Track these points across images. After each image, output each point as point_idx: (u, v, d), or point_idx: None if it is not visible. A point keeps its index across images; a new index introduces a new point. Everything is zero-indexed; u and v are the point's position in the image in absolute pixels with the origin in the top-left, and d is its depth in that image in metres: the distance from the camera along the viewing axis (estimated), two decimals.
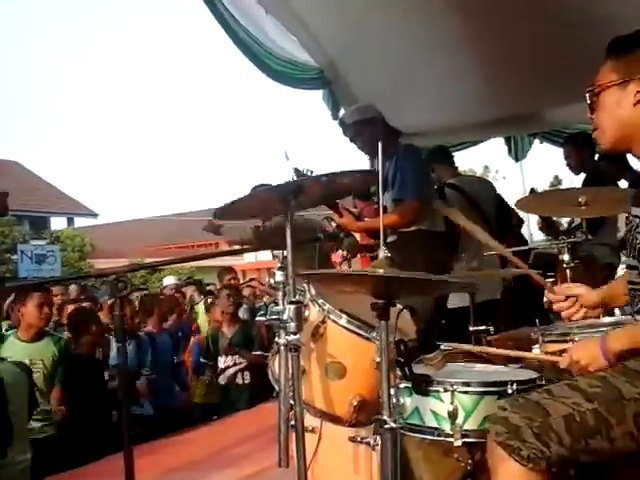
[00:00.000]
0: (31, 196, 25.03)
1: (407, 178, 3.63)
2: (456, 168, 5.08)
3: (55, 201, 26.85)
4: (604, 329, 2.41)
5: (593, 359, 1.71)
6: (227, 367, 5.78)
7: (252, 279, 10.14)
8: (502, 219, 4.74)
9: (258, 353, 5.72)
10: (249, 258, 20.71)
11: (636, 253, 1.79)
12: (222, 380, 5.79)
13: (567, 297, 2.08)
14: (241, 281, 8.99)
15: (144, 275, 19.71)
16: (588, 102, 1.85)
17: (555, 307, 2.11)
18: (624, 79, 1.77)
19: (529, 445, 1.54)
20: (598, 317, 2.73)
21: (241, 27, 4.32)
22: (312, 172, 3.53)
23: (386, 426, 1.64)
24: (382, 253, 1.76)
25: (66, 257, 20.00)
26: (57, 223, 26.68)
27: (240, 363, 5.76)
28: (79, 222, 27.95)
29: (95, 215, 28.39)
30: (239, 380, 5.74)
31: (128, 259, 15.32)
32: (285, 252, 1.97)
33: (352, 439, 2.17)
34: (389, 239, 3.75)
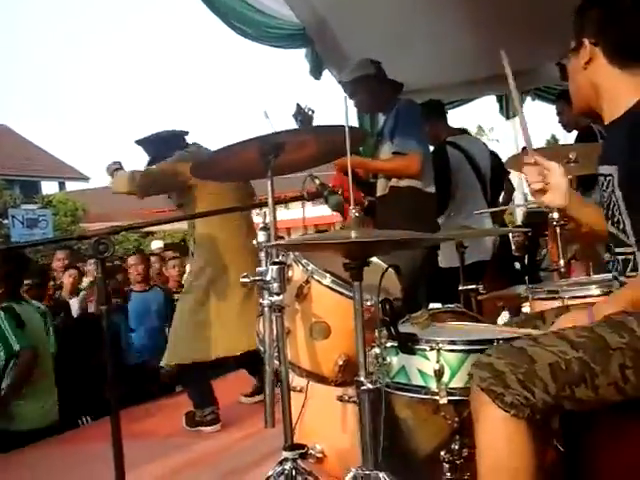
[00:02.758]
0: (22, 161, 24.81)
1: (410, 132, 3.54)
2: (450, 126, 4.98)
3: (46, 165, 26.62)
4: (592, 286, 2.41)
5: None
6: None
7: None
8: (496, 181, 4.72)
9: None
10: None
11: (609, 213, 1.75)
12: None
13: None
14: None
15: (137, 239, 19.68)
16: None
17: (524, 169, 1.89)
18: (577, 44, 1.78)
19: (512, 391, 1.52)
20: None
21: None
22: (313, 112, 3.43)
23: (363, 387, 1.63)
24: (353, 214, 1.72)
25: (58, 221, 19.90)
26: (48, 187, 26.52)
27: None
28: (70, 186, 27.80)
29: (86, 179, 28.24)
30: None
31: (121, 223, 15.25)
32: (268, 211, 1.94)
33: (340, 398, 2.17)
34: (379, 193, 3.70)
